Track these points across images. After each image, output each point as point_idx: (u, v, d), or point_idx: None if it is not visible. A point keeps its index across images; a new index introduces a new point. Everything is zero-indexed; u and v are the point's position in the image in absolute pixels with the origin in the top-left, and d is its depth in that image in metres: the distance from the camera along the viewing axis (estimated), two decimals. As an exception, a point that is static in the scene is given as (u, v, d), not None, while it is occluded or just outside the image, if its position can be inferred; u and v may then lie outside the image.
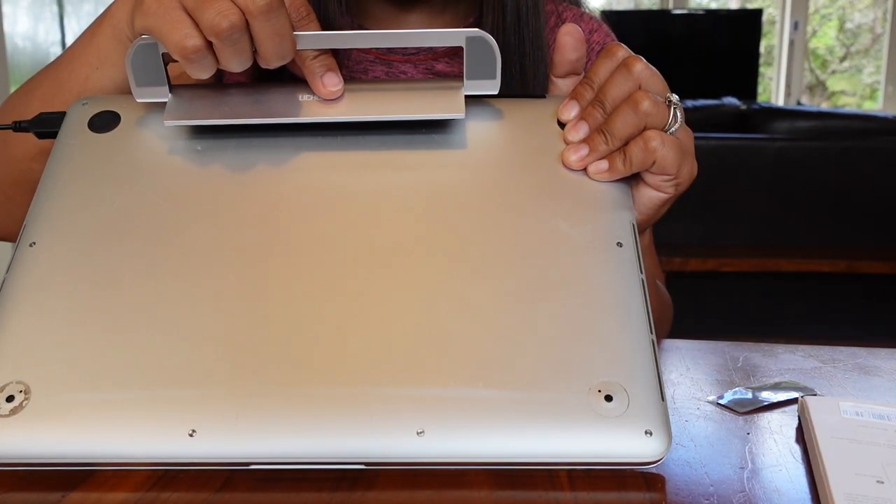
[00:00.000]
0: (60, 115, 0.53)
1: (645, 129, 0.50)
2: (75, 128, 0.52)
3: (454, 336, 0.43)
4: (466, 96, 0.51)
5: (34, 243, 0.47)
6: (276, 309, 0.44)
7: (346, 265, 0.45)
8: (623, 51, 0.52)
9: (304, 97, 0.51)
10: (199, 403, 0.41)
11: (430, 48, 0.74)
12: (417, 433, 0.40)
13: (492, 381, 0.41)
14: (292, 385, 0.41)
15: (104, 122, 0.52)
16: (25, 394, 0.41)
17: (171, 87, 0.51)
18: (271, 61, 0.49)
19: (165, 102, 0.51)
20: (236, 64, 0.48)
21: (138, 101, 0.51)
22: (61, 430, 0.40)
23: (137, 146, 0.51)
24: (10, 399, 0.41)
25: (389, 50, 0.75)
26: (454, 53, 0.75)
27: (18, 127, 0.54)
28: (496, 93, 0.52)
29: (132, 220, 0.48)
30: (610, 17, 0.76)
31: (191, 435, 0.40)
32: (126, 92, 0.53)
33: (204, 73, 0.49)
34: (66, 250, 0.46)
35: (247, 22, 0.47)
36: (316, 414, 0.40)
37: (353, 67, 0.74)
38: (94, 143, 0.51)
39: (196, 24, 0.47)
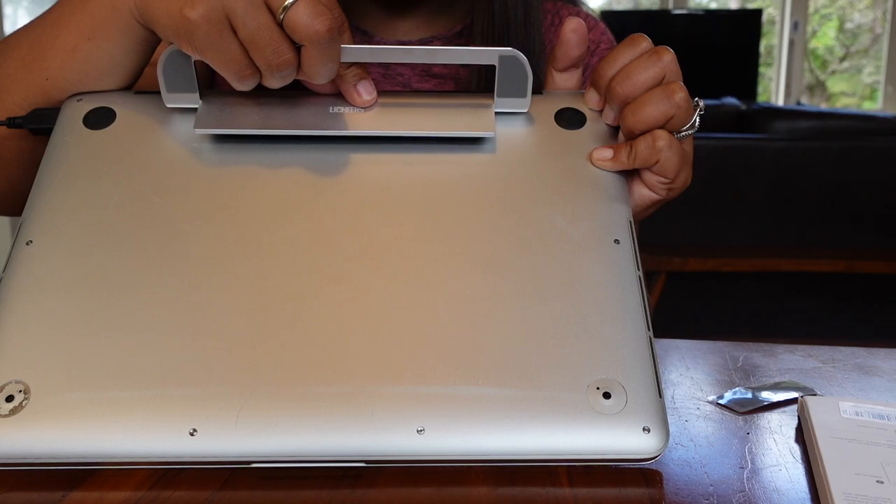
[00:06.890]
0: (55, 111, 0.53)
1: (668, 121, 0.50)
2: (70, 124, 0.52)
3: (453, 334, 0.43)
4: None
5: (31, 242, 0.46)
6: (276, 307, 0.44)
7: (344, 264, 0.45)
8: (647, 42, 0.52)
9: (334, 109, 0.51)
10: (199, 402, 0.41)
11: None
12: (418, 431, 0.40)
13: (491, 378, 0.41)
14: (293, 384, 0.41)
15: (99, 118, 0.52)
16: (25, 393, 0.41)
17: (202, 93, 0.51)
18: (316, 81, 0.49)
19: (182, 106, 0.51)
20: (279, 85, 0.48)
21: (168, 106, 0.51)
22: (62, 430, 0.40)
23: (133, 143, 0.51)
24: (9, 399, 0.41)
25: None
26: None
27: (12, 124, 0.54)
28: (526, 111, 0.52)
29: (130, 217, 0.47)
30: (610, 17, 0.76)
31: (192, 434, 0.40)
32: (118, 68, 0.53)
33: (248, 89, 0.49)
34: (63, 248, 0.46)
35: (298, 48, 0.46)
36: (316, 412, 0.40)
37: None
38: (90, 140, 0.51)
39: (246, 52, 0.46)
